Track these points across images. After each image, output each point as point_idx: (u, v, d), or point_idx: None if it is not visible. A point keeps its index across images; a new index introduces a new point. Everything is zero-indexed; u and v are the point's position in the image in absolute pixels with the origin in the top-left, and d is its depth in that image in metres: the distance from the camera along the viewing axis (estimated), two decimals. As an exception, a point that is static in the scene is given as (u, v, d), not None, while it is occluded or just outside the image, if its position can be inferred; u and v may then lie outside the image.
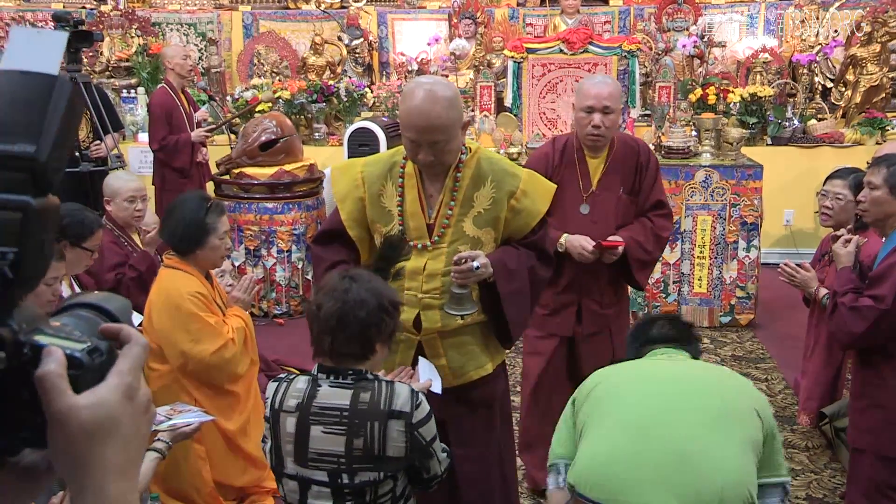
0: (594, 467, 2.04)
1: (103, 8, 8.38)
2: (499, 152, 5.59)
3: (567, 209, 3.34)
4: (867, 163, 3.65)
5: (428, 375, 2.46)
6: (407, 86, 2.49)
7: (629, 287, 3.66)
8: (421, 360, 2.55)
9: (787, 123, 7.03)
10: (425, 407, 2.09)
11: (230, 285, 3.66)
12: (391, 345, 2.22)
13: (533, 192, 2.61)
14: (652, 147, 5.70)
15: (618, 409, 2.10)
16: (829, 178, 3.93)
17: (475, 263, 2.44)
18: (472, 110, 6.44)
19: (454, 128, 2.45)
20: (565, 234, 3.29)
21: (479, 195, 2.56)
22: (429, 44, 8.13)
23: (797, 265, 3.70)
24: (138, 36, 8.16)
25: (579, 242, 3.28)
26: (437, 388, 2.44)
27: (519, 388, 4.59)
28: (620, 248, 3.27)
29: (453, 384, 2.62)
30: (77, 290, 3.59)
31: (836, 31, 7.67)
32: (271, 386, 2.16)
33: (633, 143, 3.48)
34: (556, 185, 2.76)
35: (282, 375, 2.19)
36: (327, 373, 2.08)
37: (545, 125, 5.85)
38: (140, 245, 4.17)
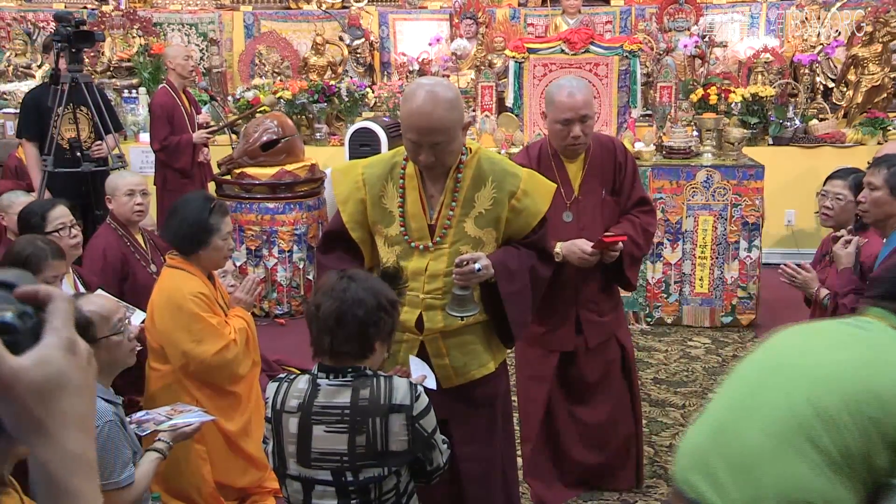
0: (679, 450, 2.08)
1: (105, 8, 8.39)
2: (500, 152, 5.59)
3: (551, 219, 3.07)
4: (868, 163, 3.64)
5: (420, 372, 2.46)
6: (408, 87, 2.49)
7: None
8: (412, 358, 2.55)
9: (789, 123, 7.03)
10: (424, 399, 2.10)
11: (232, 286, 3.67)
12: (391, 344, 2.22)
13: (534, 191, 2.61)
14: (653, 147, 5.75)
15: (716, 399, 2.08)
16: (829, 178, 3.92)
17: (477, 265, 2.45)
18: (474, 110, 6.44)
19: (455, 129, 2.45)
20: (559, 243, 3.22)
21: (480, 195, 2.56)
22: (430, 44, 8.13)
23: (798, 266, 3.70)
24: (140, 36, 8.16)
25: (578, 247, 3.20)
26: (430, 383, 2.44)
27: (520, 388, 4.60)
28: (621, 244, 3.22)
29: (456, 383, 2.63)
30: (81, 288, 3.60)
31: (837, 31, 7.67)
32: (271, 386, 2.16)
33: (608, 142, 3.43)
34: (556, 185, 2.76)
35: (282, 375, 2.19)
36: (327, 372, 2.09)
37: (546, 125, 5.84)
38: (142, 244, 4.17)
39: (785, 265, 3.72)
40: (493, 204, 2.57)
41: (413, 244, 2.56)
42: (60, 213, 3.60)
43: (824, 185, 3.97)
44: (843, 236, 3.17)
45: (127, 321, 2.74)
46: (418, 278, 2.55)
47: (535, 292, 2.70)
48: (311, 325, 2.10)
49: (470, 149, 2.60)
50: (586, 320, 3.37)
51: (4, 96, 7.93)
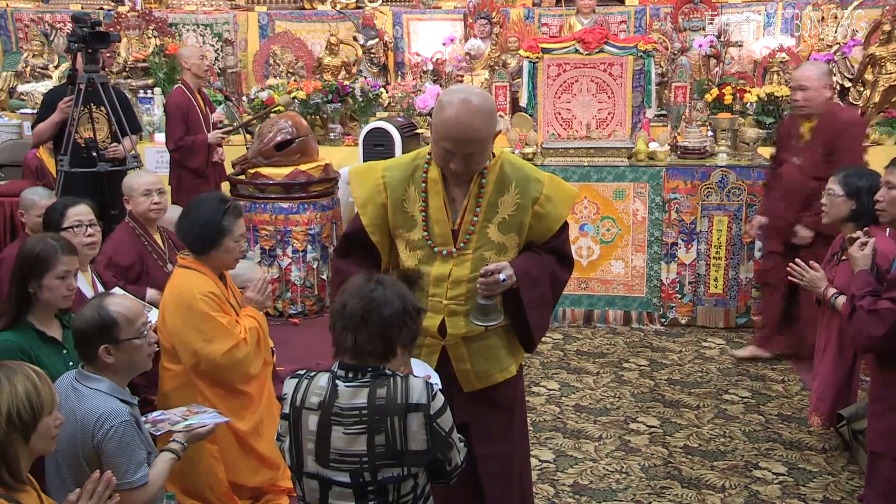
0: None
1: (121, 9, 8.43)
2: (514, 152, 5.58)
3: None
4: None
5: (424, 372, 2.45)
6: (444, 96, 2.47)
7: None
8: (413, 360, 2.53)
9: (805, 123, 6.97)
10: (440, 398, 2.10)
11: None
12: (411, 351, 2.21)
13: (556, 196, 2.61)
14: (668, 147, 5.72)
15: None
16: (830, 176, 3.99)
17: (502, 276, 2.46)
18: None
19: (489, 140, 2.46)
20: None
21: (504, 201, 2.56)
22: (444, 44, 8.13)
23: (807, 265, 3.73)
24: (155, 37, 8.20)
25: None
26: (435, 381, 2.44)
27: (534, 388, 4.60)
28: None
29: (478, 387, 2.64)
30: (100, 288, 3.62)
31: (854, 30, 7.60)
32: (290, 382, 2.16)
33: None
34: (577, 191, 2.76)
35: (301, 372, 2.19)
36: (346, 370, 2.09)
37: (560, 125, 5.84)
38: (160, 243, 4.19)
39: (794, 263, 3.75)
40: (517, 209, 2.56)
41: (436, 249, 2.56)
42: (80, 211, 3.63)
43: None
44: (859, 237, 3.16)
45: (151, 325, 2.75)
46: (441, 284, 2.55)
47: (555, 297, 2.72)
48: (336, 323, 2.10)
49: (493, 153, 2.60)
50: None
51: (22, 97, 7.99)
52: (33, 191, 4.37)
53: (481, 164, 2.52)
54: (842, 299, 3.51)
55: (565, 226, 2.67)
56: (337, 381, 2.08)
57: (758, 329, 5.21)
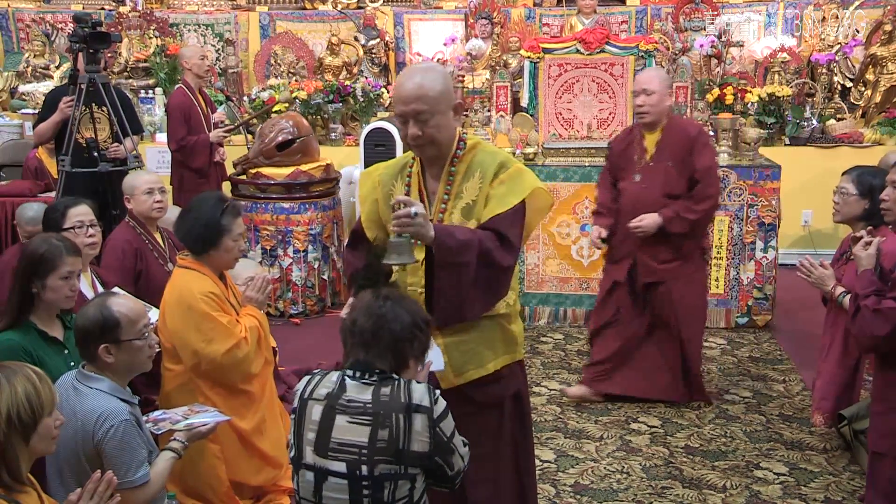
0: None
1: (122, 9, 8.44)
2: (514, 153, 5.58)
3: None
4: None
5: (428, 357, 2.42)
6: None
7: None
8: None
9: (806, 123, 6.98)
10: (443, 402, 2.13)
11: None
12: (423, 363, 2.24)
13: (514, 183, 2.55)
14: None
15: None
16: (842, 174, 3.98)
17: (413, 209, 2.35)
18: (489, 110, 6.43)
19: (440, 102, 2.48)
20: None
21: (468, 186, 2.59)
22: (445, 44, 8.13)
23: (810, 265, 3.72)
24: (156, 37, 8.20)
25: None
26: (438, 365, 2.44)
27: (535, 389, 4.59)
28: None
29: (454, 384, 2.63)
30: (100, 288, 3.62)
31: (856, 30, 7.60)
32: (304, 379, 2.21)
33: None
34: (550, 202, 2.72)
35: (315, 370, 2.23)
36: (354, 368, 2.12)
37: (561, 125, 5.84)
38: (160, 243, 4.19)
39: (804, 260, 3.75)
40: (478, 194, 2.57)
41: (411, 239, 2.55)
42: (81, 212, 3.63)
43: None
44: (863, 237, 3.16)
45: (152, 326, 2.75)
46: (416, 272, 2.58)
47: (485, 277, 2.50)
48: (346, 339, 2.16)
49: (467, 143, 2.62)
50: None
51: (23, 97, 7.99)
52: (29, 206, 4.38)
53: (441, 133, 2.50)
54: (849, 298, 3.50)
55: (513, 211, 2.53)
56: (345, 378, 2.12)
57: (592, 366, 4.52)
